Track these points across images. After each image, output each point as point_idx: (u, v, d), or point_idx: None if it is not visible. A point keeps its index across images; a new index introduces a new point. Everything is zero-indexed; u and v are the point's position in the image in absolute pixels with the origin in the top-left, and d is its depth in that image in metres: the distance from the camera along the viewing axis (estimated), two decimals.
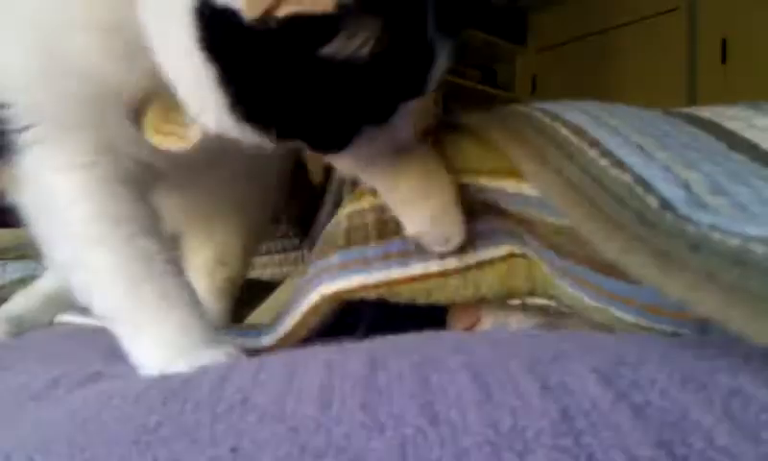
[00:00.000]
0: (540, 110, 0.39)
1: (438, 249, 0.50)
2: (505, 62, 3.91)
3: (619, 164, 0.33)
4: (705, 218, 0.28)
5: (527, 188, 0.37)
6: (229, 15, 0.36)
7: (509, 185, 0.39)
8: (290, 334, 0.47)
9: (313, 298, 0.45)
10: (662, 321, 0.32)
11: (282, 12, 0.34)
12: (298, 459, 0.23)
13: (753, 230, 0.26)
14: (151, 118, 0.49)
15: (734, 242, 0.26)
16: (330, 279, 0.44)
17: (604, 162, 0.33)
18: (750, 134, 0.36)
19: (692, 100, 3.19)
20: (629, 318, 0.34)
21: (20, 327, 0.72)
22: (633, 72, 3.44)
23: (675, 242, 0.28)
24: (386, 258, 0.43)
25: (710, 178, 0.31)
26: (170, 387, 0.30)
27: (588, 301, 0.36)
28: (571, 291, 0.37)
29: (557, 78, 3.75)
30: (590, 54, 3.64)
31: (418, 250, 0.43)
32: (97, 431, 0.27)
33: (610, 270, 0.33)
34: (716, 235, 0.27)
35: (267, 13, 0.35)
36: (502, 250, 0.42)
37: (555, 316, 0.41)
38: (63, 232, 0.50)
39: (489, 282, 0.42)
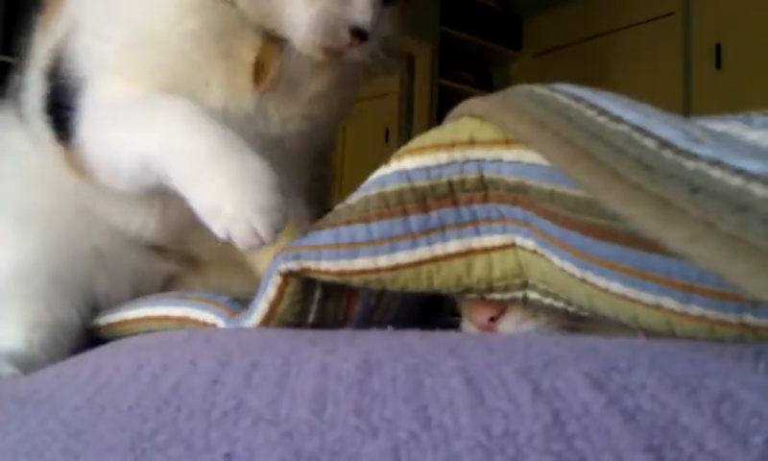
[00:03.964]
0: (538, 86, 0.39)
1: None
2: (500, 66, 3.92)
3: (618, 119, 0.33)
4: (705, 151, 0.29)
5: (526, 156, 0.37)
6: None
7: (507, 155, 0.38)
8: (268, 316, 0.46)
9: (275, 277, 0.45)
10: (647, 287, 0.32)
11: None
12: None
13: (752, 166, 0.26)
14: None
15: (735, 182, 0.26)
16: (284, 260, 0.43)
17: (602, 119, 0.34)
18: None
19: (687, 105, 3.21)
20: (616, 287, 0.34)
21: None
22: (627, 77, 3.45)
23: (674, 185, 0.28)
24: (336, 247, 0.42)
25: (710, 132, 0.32)
26: (162, 394, 0.30)
27: (573, 269, 0.36)
28: (559, 264, 0.37)
29: (551, 82, 3.76)
30: (585, 58, 3.65)
31: (366, 241, 0.41)
32: (93, 441, 0.28)
33: (602, 233, 0.33)
34: (716, 173, 0.27)
35: None
36: (463, 244, 0.41)
37: (568, 318, 0.42)
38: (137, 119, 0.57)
39: (443, 277, 0.41)
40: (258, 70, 0.60)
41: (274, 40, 0.59)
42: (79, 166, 0.63)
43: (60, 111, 0.63)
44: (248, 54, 0.60)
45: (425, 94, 3.55)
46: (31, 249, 0.65)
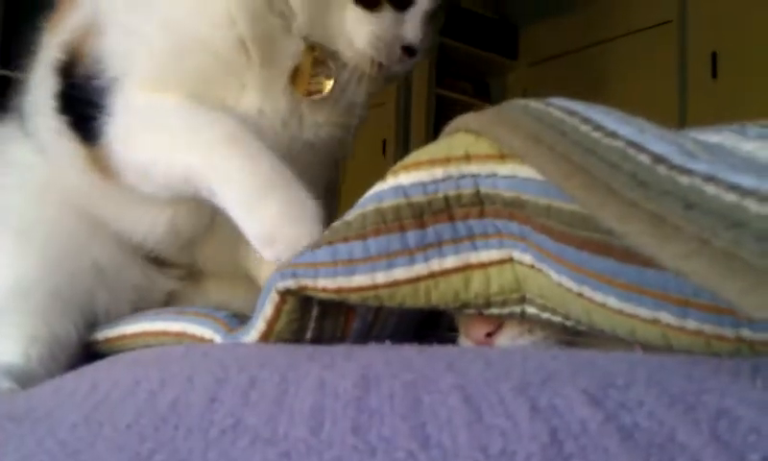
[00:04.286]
0: (533, 101, 0.40)
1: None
2: (497, 76, 3.93)
3: (612, 134, 0.33)
4: (699, 166, 0.29)
5: (522, 171, 0.37)
6: None
7: (502, 169, 0.39)
8: (265, 334, 0.46)
9: (273, 295, 0.45)
10: (644, 302, 0.32)
11: None
12: None
13: (747, 182, 0.26)
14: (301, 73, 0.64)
15: (730, 198, 0.26)
16: (282, 278, 0.43)
17: (597, 134, 0.34)
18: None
19: (683, 113, 3.21)
20: (612, 301, 0.34)
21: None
22: (623, 85, 3.46)
23: (669, 201, 0.28)
24: (333, 265, 0.42)
25: (704, 145, 0.32)
26: (159, 412, 0.30)
27: (570, 284, 0.36)
28: (557, 278, 0.37)
29: (548, 91, 3.72)
30: (581, 67, 3.67)
31: (363, 258, 0.42)
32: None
33: (597, 248, 0.33)
34: (711, 189, 0.27)
35: None
36: (461, 259, 0.41)
37: (566, 333, 0.41)
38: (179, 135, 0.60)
39: (440, 293, 0.41)
40: (298, 77, 0.64)
41: (315, 50, 0.64)
42: (103, 165, 0.64)
43: (81, 109, 0.64)
44: (287, 61, 0.64)
45: (423, 104, 3.55)
46: (31, 265, 0.65)
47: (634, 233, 0.28)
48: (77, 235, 0.68)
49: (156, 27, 0.63)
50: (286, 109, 0.64)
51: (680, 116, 3.22)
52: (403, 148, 3.42)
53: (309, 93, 0.65)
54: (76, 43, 0.66)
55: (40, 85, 0.70)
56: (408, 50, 0.63)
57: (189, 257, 0.73)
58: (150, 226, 0.67)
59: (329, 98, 0.66)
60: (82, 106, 0.64)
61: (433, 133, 3.52)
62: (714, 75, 3.15)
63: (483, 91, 3.89)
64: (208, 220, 0.68)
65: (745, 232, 0.25)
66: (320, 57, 0.64)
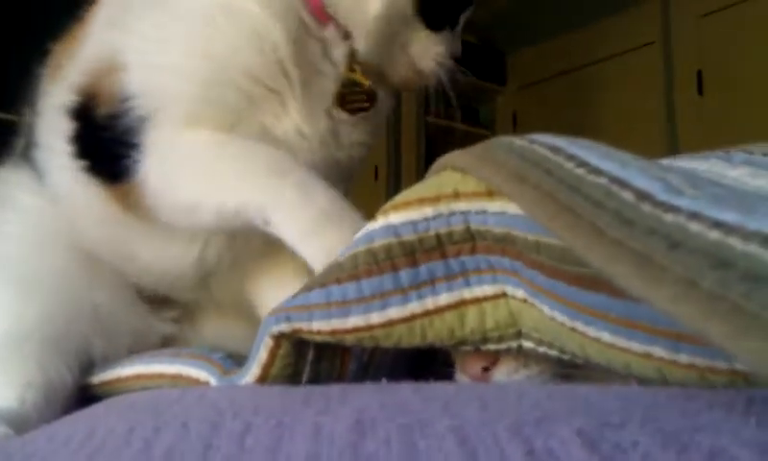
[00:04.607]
0: (518, 138, 0.40)
1: None
2: (486, 102, 3.96)
3: (596, 171, 0.33)
4: (683, 202, 0.28)
5: (510, 207, 0.37)
6: None
7: (491, 206, 0.39)
8: (260, 378, 0.46)
9: (267, 340, 0.45)
10: (636, 336, 0.32)
11: None
12: None
13: (731, 218, 0.26)
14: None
15: (714, 236, 0.26)
16: (276, 322, 0.43)
17: (581, 171, 0.34)
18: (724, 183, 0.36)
19: (672, 130, 3.25)
20: (605, 336, 0.34)
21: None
22: (612, 105, 3.50)
23: (654, 240, 0.27)
24: (327, 307, 0.41)
25: (688, 177, 0.32)
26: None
27: (563, 318, 0.36)
28: (549, 313, 0.37)
29: (537, 114, 3.81)
30: (569, 89, 3.70)
31: (357, 299, 0.42)
32: None
33: (588, 283, 0.33)
34: (695, 226, 0.27)
35: None
36: (454, 296, 0.41)
37: (562, 366, 0.41)
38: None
39: (436, 331, 0.41)
40: (340, 99, 0.68)
41: (356, 70, 0.67)
42: (131, 203, 0.65)
43: (105, 149, 0.64)
44: (329, 83, 0.67)
45: (413, 132, 3.57)
46: (30, 313, 0.65)
47: (621, 275, 0.28)
48: (77, 283, 0.68)
49: (193, 59, 0.63)
50: (326, 130, 0.68)
51: (669, 133, 3.26)
52: (395, 174, 3.44)
53: (353, 111, 0.68)
54: (91, 84, 0.66)
55: (50, 129, 0.69)
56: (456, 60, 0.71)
57: (197, 293, 0.73)
58: (176, 259, 0.68)
59: (367, 116, 0.70)
60: (106, 146, 0.64)
61: (424, 159, 3.54)
62: (701, 92, 3.19)
63: (472, 117, 3.91)
64: (236, 251, 0.69)
65: (731, 272, 0.24)
66: (361, 77, 0.68)
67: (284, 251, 0.60)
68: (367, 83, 0.68)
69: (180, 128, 0.62)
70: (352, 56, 0.67)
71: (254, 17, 0.63)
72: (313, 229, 0.57)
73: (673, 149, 3.21)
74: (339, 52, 0.67)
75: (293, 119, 0.65)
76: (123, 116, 0.63)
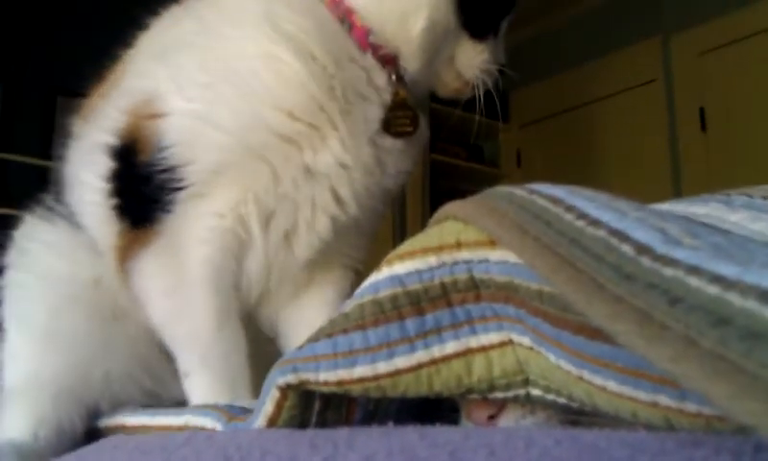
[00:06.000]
0: (517, 188, 0.40)
1: None
2: (490, 140, 3.98)
3: (595, 223, 0.33)
4: (682, 254, 0.28)
5: (512, 256, 0.37)
6: None
7: (493, 255, 0.39)
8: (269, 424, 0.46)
9: (273, 392, 0.44)
10: (642, 386, 0.32)
11: None
12: None
13: (730, 271, 0.26)
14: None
15: (712, 290, 0.25)
16: (282, 374, 0.43)
17: (580, 223, 0.34)
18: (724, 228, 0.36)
19: (676, 165, 3.26)
20: (612, 385, 0.33)
21: None
22: (615, 142, 3.51)
23: (654, 296, 0.27)
24: (334, 357, 0.41)
25: (687, 225, 0.32)
26: None
27: (569, 367, 0.36)
28: (555, 362, 0.37)
29: (541, 151, 3.83)
30: (572, 126, 3.73)
31: (363, 348, 0.42)
32: None
33: (592, 332, 0.33)
34: (694, 281, 0.26)
35: None
36: (461, 344, 0.41)
37: (568, 413, 0.41)
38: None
39: (443, 380, 0.41)
40: (386, 124, 0.69)
41: (400, 93, 0.69)
42: (129, 257, 0.68)
43: (136, 192, 0.66)
44: (374, 110, 0.68)
45: (418, 169, 3.59)
46: (49, 366, 0.69)
47: (623, 333, 0.27)
48: (92, 349, 0.71)
49: (230, 102, 0.64)
50: (369, 158, 0.68)
51: (672, 168, 3.27)
52: (401, 213, 3.44)
53: (398, 134, 0.70)
54: (132, 127, 0.67)
55: (84, 165, 0.71)
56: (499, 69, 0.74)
57: None
58: None
59: (410, 142, 0.72)
60: (140, 190, 0.65)
61: (429, 197, 3.55)
62: (703, 128, 3.20)
63: (477, 155, 3.93)
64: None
65: (730, 330, 0.23)
66: (406, 100, 0.70)
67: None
68: (406, 105, 0.69)
69: (200, 199, 0.65)
70: (400, 78, 0.69)
71: (302, 50, 0.64)
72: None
73: (677, 184, 3.21)
74: (382, 78, 0.68)
75: (333, 152, 0.66)
76: (157, 165, 0.64)
